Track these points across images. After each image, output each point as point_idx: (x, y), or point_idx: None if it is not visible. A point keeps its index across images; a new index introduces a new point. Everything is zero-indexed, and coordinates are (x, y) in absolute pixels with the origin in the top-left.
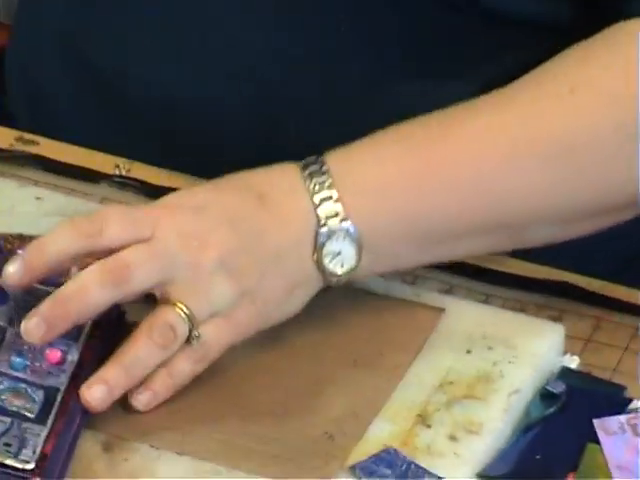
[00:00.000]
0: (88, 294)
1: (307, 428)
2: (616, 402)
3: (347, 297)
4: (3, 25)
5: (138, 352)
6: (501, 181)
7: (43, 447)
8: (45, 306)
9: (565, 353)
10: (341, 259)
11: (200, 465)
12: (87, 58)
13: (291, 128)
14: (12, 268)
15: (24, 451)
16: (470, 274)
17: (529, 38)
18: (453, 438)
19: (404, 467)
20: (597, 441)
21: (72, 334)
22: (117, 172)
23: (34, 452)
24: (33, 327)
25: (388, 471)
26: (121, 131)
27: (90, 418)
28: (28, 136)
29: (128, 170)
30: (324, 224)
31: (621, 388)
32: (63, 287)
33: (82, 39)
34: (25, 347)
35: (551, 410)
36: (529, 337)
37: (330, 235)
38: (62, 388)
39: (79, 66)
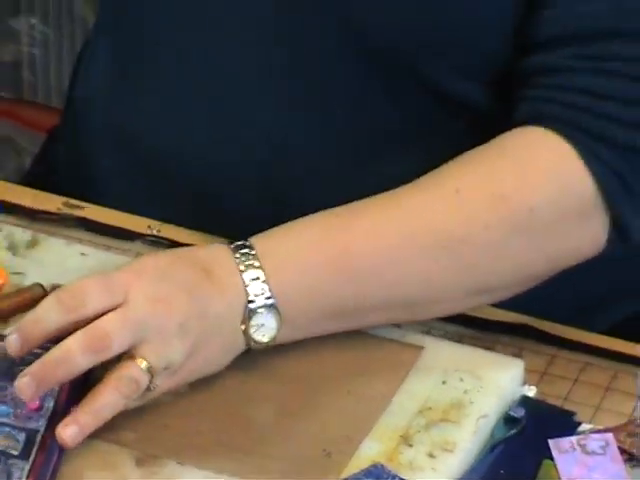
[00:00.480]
0: (72, 359)
1: (308, 447)
2: (567, 425)
3: (342, 336)
4: (54, 109)
5: (105, 400)
6: (394, 269)
7: (27, 478)
8: (35, 367)
9: (524, 384)
10: (264, 330)
11: (219, 478)
12: (127, 133)
13: (306, 191)
14: (12, 339)
15: None
16: (446, 318)
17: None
18: (431, 455)
19: (389, 479)
20: (551, 458)
21: None
22: (149, 232)
23: None
24: (24, 385)
25: None
26: (155, 195)
27: (67, 453)
28: (73, 201)
29: (158, 230)
30: (252, 300)
31: (571, 414)
32: (51, 351)
33: (123, 115)
34: (8, 397)
35: (513, 432)
36: (494, 370)
37: (256, 310)
38: (41, 430)
39: (121, 141)
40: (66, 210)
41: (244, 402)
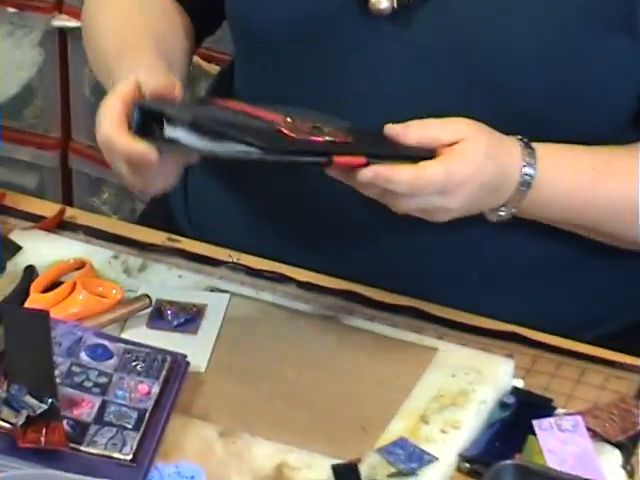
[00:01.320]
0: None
1: (349, 424)
2: (547, 409)
3: (376, 341)
4: None
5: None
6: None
7: (137, 445)
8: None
9: (514, 377)
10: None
11: (280, 446)
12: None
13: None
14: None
15: (125, 449)
16: (455, 327)
17: None
18: (443, 431)
19: (412, 450)
20: (534, 434)
21: (155, 374)
22: (230, 259)
23: (131, 449)
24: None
25: (401, 452)
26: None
27: (167, 428)
28: (174, 236)
29: (238, 258)
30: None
31: (550, 400)
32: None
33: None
34: (125, 385)
35: (505, 414)
36: (492, 367)
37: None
38: (149, 409)
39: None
40: (168, 243)
41: (302, 390)
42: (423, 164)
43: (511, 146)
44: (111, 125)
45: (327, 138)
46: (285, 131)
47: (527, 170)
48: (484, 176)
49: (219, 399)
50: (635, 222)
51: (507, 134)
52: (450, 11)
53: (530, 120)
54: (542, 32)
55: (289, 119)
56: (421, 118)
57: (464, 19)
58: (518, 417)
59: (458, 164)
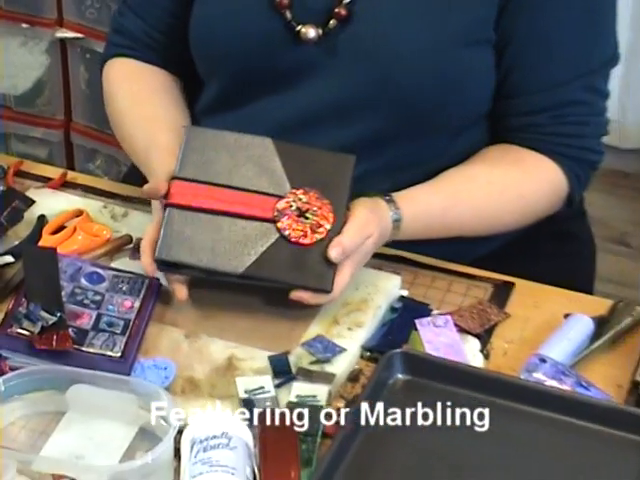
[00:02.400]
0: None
1: (281, 326)
2: (425, 311)
3: None
4: None
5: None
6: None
7: (124, 346)
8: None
9: (401, 289)
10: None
11: (230, 344)
12: None
13: None
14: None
15: (115, 348)
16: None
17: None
18: (350, 329)
19: (327, 343)
20: (416, 330)
21: (136, 293)
22: None
23: (120, 348)
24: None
25: (319, 345)
26: None
27: (146, 332)
28: None
29: None
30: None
31: (427, 305)
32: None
33: None
34: (114, 300)
35: (395, 316)
36: (385, 281)
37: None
38: (132, 319)
39: None
40: (144, 196)
41: (245, 301)
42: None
43: (380, 204)
44: (149, 258)
45: (316, 237)
46: (281, 232)
47: (394, 216)
48: (376, 221)
49: (185, 310)
50: (480, 230)
51: (402, 130)
52: (364, 34)
53: (417, 112)
54: (430, 49)
55: (277, 213)
56: (339, 127)
57: (374, 40)
58: (404, 317)
59: (365, 219)
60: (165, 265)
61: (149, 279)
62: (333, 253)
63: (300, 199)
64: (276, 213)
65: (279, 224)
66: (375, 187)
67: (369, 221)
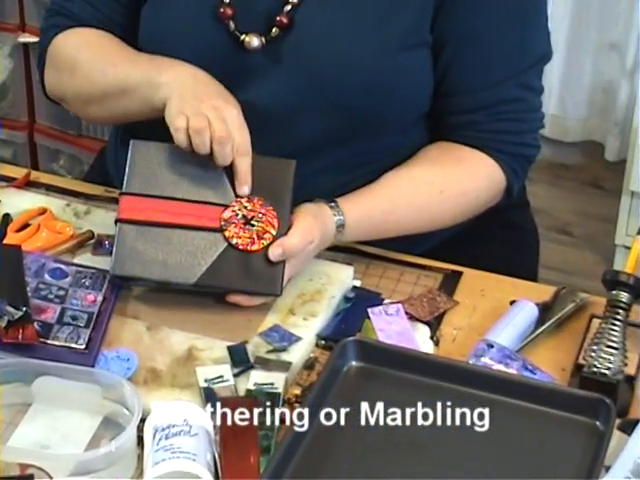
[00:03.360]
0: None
1: (238, 317)
2: (377, 301)
3: None
4: (100, 140)
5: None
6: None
7: (88, 338)
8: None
9: (354, 279)
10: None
11: (190, 335)
12: None
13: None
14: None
15: (79, 340)
16: None
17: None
18: (305, 319)
19: (283, 332)
20: (369, 318)
21: (99, 287)
22: None
23: (84, 340)
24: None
25: (276, 335)
26: None
27: (109, 325)
28: (110, 189)
29: None
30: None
31: (379, 294)
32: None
33: None
34: (77, 295)
35: (348, 305)
36: (339, 272)
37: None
38: (95, 312)
39: None
40: (106, 194)
41: (207, 295)
42: (298, 232)
43: (325, 209)
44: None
45: (263, 243)
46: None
47: (338, 221)
48: (319, 227)
49: (146, 303)
50: (422, 229)
51: (336, 124)
52: (304, 41)
53: (357, 115)
54: (367, 55)
55: (224, 223)
56: (282, 131)
57: (314, 46)
58: (357, 307)
59: (308, 225)
60: (120, 279)
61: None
62: (273, 253)
63: (245, 207)
64: (223, 222)
65: (227, 233)
66: (319, 189)
67: (312, 227)
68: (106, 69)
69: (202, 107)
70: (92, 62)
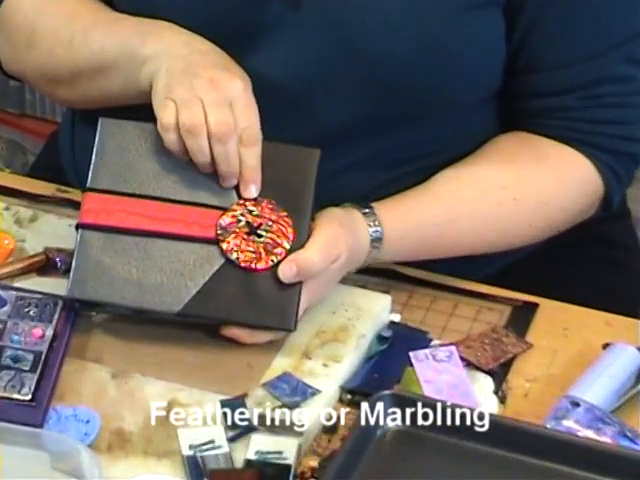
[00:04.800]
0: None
1: (235, 362)
2: (423, 341)
3: None
4: (49, 121)
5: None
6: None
7: (35, 387)
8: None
9: (391, 312)
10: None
11: (171, 385)
12: None
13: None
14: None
15: (23, 389)
16: None
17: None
18: (325, 365)
19: (295, 383)
20: (412, 365)
21: (48, 318)
22: None
23: (30, 389)
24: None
25: (286, 386)
26: None
27: (62, 370)
28: (64, 188)
29: None
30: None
31: (426, 333)
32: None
33: None
34: (20, 330)
35: (383, 347)
36: (370, 303)
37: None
38: (44, 351)
39: None
40: (58, 194)
41: (190, 331)
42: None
43: (356, 217)
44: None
45: (273, 259)
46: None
47: (374, 234)
48: (347, 240)
49: (111, 341)
50: (488, 249)
51: (377, 106)
52: None
53: (404, 93)
54: (418, 12)
55: (221, 231)
56: (304, 110)
57: (348, 0)
58: (396, 349)
59: (333, 236)
60: (79, 305)
61: (63, 300)
62: (285, 272)
63: (250, 211)
64: (220, 231)
65: (224, 245)
66: (349, 191)
67: (338, 239)
68: (74, 39)
69: (196, 85)
70: (55, 30)
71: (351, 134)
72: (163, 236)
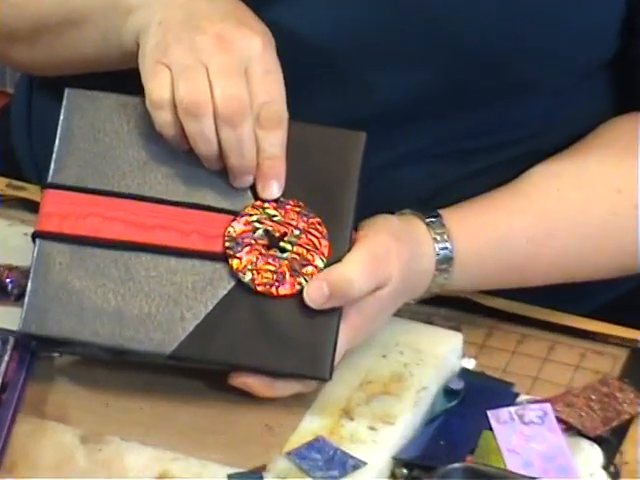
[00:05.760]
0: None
1: (250, 422)
2: (506, 396)
3: None
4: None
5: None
6: (553, 250)
7: None
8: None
9: (463, 356)
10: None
11: (161, 453)
12: None
13: None
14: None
15: None
16: None
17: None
18: (372, 428)
19: (332, 453)
20: (491, 428)
21: None
22: None
23: None
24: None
25: (318, 456)
26: None
27: (14, 429)
28: (16, 183)
29: None
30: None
31: (510, 385)
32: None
33: None
34: None
35: (452, 403)
36: (434, 343)
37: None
38: None
39: None
40: (9, 192)
41: (185, 382)
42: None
43: (416, 227)
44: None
45: (300, 281)
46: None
47: (442, 251)
48: (402, 257)
49: (80, 393)
50: (597, 273)
51: (459, 89)
52: None
53: (485, 60)
54: None
55: (230, 243)
56: (347, 75)
57: None
58: (469, 407)
59: (382, 250)
60: (38, 343)
61: (15, 337)
62: (312, 292)
63: (270, 217)
64: (229, 243)
65: (235, 262)
66: (409, 193)
67: (389, 253)
68: None
69: (199, 45)
70: None
71: (410, 115)
72: (151, 250)
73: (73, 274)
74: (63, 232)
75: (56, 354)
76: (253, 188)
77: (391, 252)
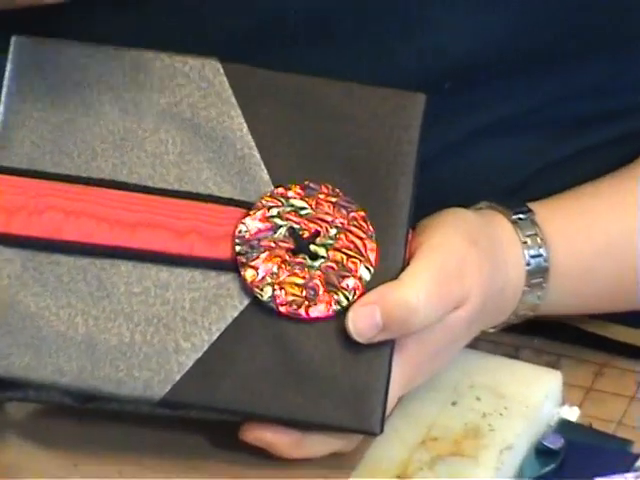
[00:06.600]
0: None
1: None
2: (622, 459)
3: None
4: None
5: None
6: None
7: None
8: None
9: (564, 403)
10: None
11: None
12: None
13: None
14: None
15: None
16: None
17: None
18: None
19: None
20: None
21: None
22: None
23: None
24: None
25: None
26: None
27: None
28: None
29: None
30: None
31: (627, 443)
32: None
33: None
34: None
35: (548, 468)
36: (522, 385)
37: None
38: None
39: None
40: None
41: (181, 438)
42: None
43: (501, 227)
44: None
45: (339, 297)
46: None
47: (536, 260)
48: (484, 269)
49: (38, 454)
50: None
51: (557, 43)
52: None
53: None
54: None
55: (242, 247)
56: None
57: None
58: (571, 473)
59: (455, 261)
60: None
61: None
62: (358, 320)
63: (295, 208)
64: (240, 247)
65: (249, 273)
66: (488, 178)
67: (463, 265)
68: None
69: None
70: None
71: (488, 73)
72: (133, 256)
73: (27, 291)
74: (11, 233)
75: (5, 400)
76: (272, 170)
77: (467, 263)
